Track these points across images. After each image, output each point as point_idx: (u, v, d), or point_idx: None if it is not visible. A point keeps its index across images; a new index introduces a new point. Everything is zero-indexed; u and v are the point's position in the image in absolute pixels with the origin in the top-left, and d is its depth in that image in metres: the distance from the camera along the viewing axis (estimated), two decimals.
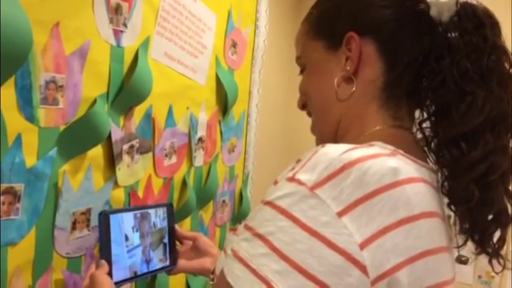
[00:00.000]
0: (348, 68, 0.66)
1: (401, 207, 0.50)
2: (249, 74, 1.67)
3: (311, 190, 0.50)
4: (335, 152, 0.52)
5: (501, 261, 0.62)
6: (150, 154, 1.18)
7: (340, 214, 0.48)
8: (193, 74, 1.32)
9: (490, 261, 0.62)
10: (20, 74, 0.81)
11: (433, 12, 0.64)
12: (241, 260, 0.51)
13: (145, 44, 1.10)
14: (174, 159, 1.27)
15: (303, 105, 0.76)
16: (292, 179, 0.52)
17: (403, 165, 0.53)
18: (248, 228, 0.54)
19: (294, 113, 2.17)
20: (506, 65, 0.61)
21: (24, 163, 0.84)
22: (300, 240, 0.48)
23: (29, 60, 0.82)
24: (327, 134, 0.70)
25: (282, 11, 1.98)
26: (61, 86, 0.89)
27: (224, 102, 1.49)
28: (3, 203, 0.80)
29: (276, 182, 0.62)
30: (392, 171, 0.51)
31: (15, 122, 0.81)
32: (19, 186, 0.83)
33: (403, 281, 0.49)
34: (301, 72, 0.76)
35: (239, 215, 1.67)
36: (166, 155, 1.24)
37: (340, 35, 0.66)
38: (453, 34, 0.62)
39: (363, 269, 0.48)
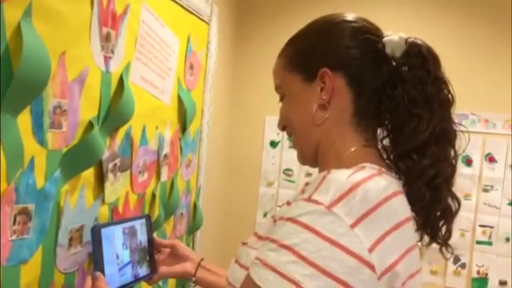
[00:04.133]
0: (324, 97, 0.80)
1: (392, 217, 0.68)
2: (202, 93, 1.78)
3: (328, 208, 0.64)
4: (341, 176, 0.67)
5: (449, 249, 0.82)
6: (128, 172, 1.25)
7: (353, 226, 0.63)
8: (161, 95, 1.41)
9: (440, 250, 0.82)
10: (35, 101, 0.86)
11: (387, 50, 0.81)
12: (270, 267, 0.64)
13: (127, 68, 1.18)
14: (145, 175, 1.35)
15: (283, 127, 0.90)
16: (309, 200, 0.66)
17: (388, 181, 0.71)
18: (272, 240, 0.67)
19: (237, 129, 2.33)
20: (445, 92, 0.80)
21: (36, 184, 0.88)
22: (323, 249, 0.62)
23: None
24: (307, 152, 0.85)
25: (226, 35, 2.12)
26: (64, 111, 0.95)
27: (184, 121, 1.59)
28: (19, 223, 0.84)
29: (289, 203, 0.77)
30: (384, 189, 0.68)
31: (29, 145, 0.86)
32: (31, 207, 0.87)
33: (400, 273, 0.66)
34: (281, 100, 0.89)
35: (194, 226, 1.77)
36: (139, 172, 1.31)
37: (315, 70, 0.80)
38: (404, 68, 0.80)
39: (372, 268, 0.63)
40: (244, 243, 0.83)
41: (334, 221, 0.63)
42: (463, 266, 2.14)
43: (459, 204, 0.79)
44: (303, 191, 0.72)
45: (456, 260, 2.14)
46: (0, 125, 0.78)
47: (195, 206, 1.78)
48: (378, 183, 0.68)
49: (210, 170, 2.00)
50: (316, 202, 0.65)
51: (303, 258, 0.62)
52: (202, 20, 1.72)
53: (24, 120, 0.84)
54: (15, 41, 0.79)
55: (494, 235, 2.11)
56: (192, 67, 1.64)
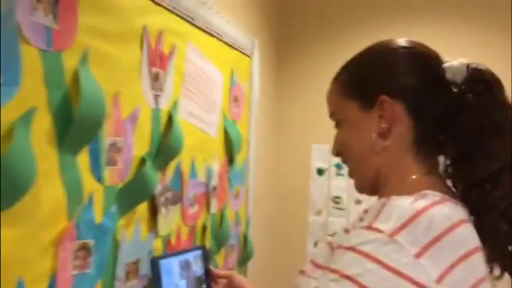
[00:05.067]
0: (383, 125, 0.78)
1: (460, 246, 0.64)
2: (247, 124, 1.81)
3: (390, 237, 0.62)
4: (403, 203, 0.65)
5: None
6: (179, 205, 1.28)
7: (418, 256, 0.61)
8: (208, 128, 1.45)
9: None
10: (92, 140, 0.91)
11: (448, 75, 0.78)
12: None
13: (175, 105, 1.22)
14: (196, 207, 1.38)
15: (337, 153, 0.88)
16: (370, 228, 0.64)
17: (453, 209, 0.68)
18: (333, 270, 0.65)
19: (283, 158, 2.34)
20: None
21: (95, 220, 0.92)
22: (388, 280, 0.60)
23: None
24: (366, 180, 0.83)
25: (268, 66, 2.17)
26: (119, 148, 0.99)
27: (230, 152, 1.62)
28: (80, 258, 0.88)
29: (347, 230, 0.75)
30: (449, 216, 0.65)
31: (88, 182, 0.90)
32: (91, 242, 0.91)
33: None
34: (336, 126, 0.87)
35: (245, 257, 1.77)
36: (190, 204, 1.34)
37: (373, 97, 0.78)
38: (469, 95, 0.77)
39: None
40: (302, 272, 0.82)
41: (397, 250, 0.61)
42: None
43: None
44: (361, 219, 0.70)
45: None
46: (62, 165, 0.83)
47: (245, 237, 1.78)
48: (442, 210, 0.66)
49: (258, 200, 2.01)
50: (377, 230, 0.63)
51: None
52: (244, 54, 1.76)
53: (82, 158, 0.89)
54: (73, 86, 0.85)
55: None
56: (236, 99, 1.68)
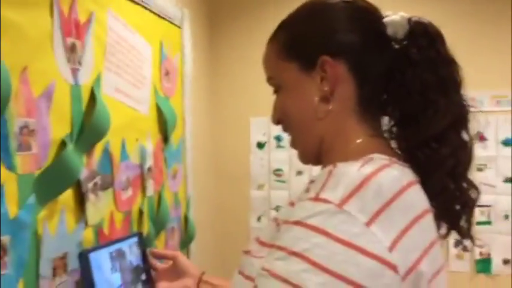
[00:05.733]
0: (325, 88, 0.72)
1: (410, 209, 0.61)
2: (181, 99, 1.71)
3: (339, 207, 0.57)
4: (350, 170, 0.60)
5: (472, 240, 0.76)
6: (111, 190, 1.17)
7: (368, 224, 0.56)
8: (138, 105, 1.34)
9: (460, 241, 0.76)
10: None
11: (389, 31, 0.74)
12: (280, 278, 0.56)
13: (98, 80, 1.10)
14: (130, 191, 1.27)
15: (277, 121, 0.81)
16: (317, 199, 0.59)
17: (401, 171, 0.64)
18: (279, 247, 0.59)
19: (221, 133, 2.26)
20: (456, 73, 0.74)
21: (8, 214, 0.80)
22: (338, 253, 0.55)
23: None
24: (310, 149, 0.77)
25: (200, 38, 2.06)
26: (32, 130, 0.87)
27: (165, 130, 1.52)
28: None
29: (292, 203, 0.69)
30: (398, 180, 0.62)
31: None
32: (6, 239, 0.79)
33: (424, 271, 0.59)
34: (275, 92, 0.80)
35: (187, 239, 1.69)
36: (123, 189, 1.24)
37: (314, 58, 0.72)
38: (412, 50, 0.73)
39: (394, 268, 0.56)
40: (247, 252, 0.75)
41: (347, 220, 0.56)
42: (465, 248, 2.10)
43: (479, 193, 0.73)
44: (307, 190, 0.64)
45: (457, 243, 2.11)
46: None
47: (186, 218, 1.70)
48: (390, 174, 0.61)
49: (198, 178, 1.93)
50: (325, 201, 0.58)
51: (315, 265, 0.55)
52: (174, 24, 1.65)
53: None
54: None
55: (493, 214, 2.08)
56: (167, 73, 1.57)
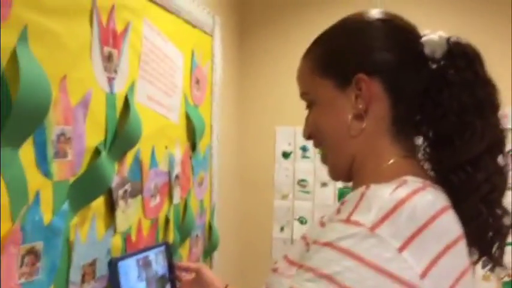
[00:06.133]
0: (360, 106, 0.71)
1: (444, 235, 0.59)
2: (210, 108, 1.72)
3: (371, 230, 0.56)
4: (383, 193, 0.59)
5: (504, 268, 0.74)
6: (139, 197, 1.18)
7: (401, 249, 0.55)
8: (168, 113, 1.35)
9: (492, 269, 0.74)
10: (37, 130, 0.79)
11: (427, 50, 0.73)
12: None
13: (132, 88, 1.12)
14: (158, 199, 1.28)
15: (309, 136, 0.80)
16: (348, 221, 0.58)
17: (435, 196, 0.63)
18: (309, 269, 0.58)
19: (247, 141, 2.26)
20: (495, 95, 0.73)
21: (43, 220, 0.81)
22: (369, 277, 0.54)
23: None
24: (341, 167, 0.76)
25: (230, 46, 2.07)
26: (69, 138, 0.88)
27: (193, 138, 1.53)
28: (27, 265, 0.78)
29: (323, 224, 0.69)
30: (432, 204, 0.60)
31: (33, 178, 0.79)
32: (39, 245, 0.81)
33: None
34: (308, 107, 0.80)
35: (210, 248, 1.69)
36: (151, 196, 1.24)
37: (349, 75, 0.72)
38: (450, 71, 0.72)
39: None
40: (275, 270, 0.75)
41: (378, 244, 0.55)
42: (492, 269, 2.04)
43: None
44: (338, 211, 0.64)
45: (485, 264, 2.04)
46: (1, 159, 0.72)
47: (210, 227, 1.71)
48: (424, 198, 0.60)
49: (223, 187, 1.93)
50: (356, 223, 0.57)
51: None
52: (205, 33, 1.66)
53: (26, 151, 0.78)
54: (11, 67, 0.73)
55: None
56: (198, 82, 1.58)
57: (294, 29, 2.15)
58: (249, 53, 2.25)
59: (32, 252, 0.79)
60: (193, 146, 1.54)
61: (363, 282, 0.54)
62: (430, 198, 0.61)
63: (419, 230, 0.57)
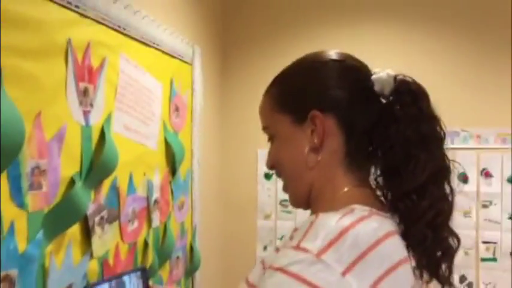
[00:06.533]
0: (315, 140, 0.77)
1: (385, 260, 0.65)
2: (190, 133, 1.78)
3: (317, 256, 0.61)
4: (330, 221, 0.65)
5: (452, 286, 0.80)
6: (117, 222, 1.23)
7: (344, 273, 0.61)
8: (146, 141, 1.41)
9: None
10: (11, 165, 0.85)
11: (376, 87, 0.79)
12: None
13: (108, 120, 1.18)
14: (136, 223, 1.33)
15: (271, 167, 0.86)
16: (298, 248, 0.64)
17: (379, 223, 0.69)
18: None
19: (229, 165, 2.32)
20: (438, 129, 0.79)
21: (17, 249, 0.87)
22: None
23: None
24: (300, 195, 0.82)
25: (211, 74, 2.14)
26: (44, 171, 0.94)
27: (173, 163, 1.59)
28: None
29: (277, 250, 0.75)
30: (374, 231, 0.66)
31: (8, 210, 0.85)
32: (14, 273, 0.86)
33: None
34: (269, 139, 0.85)
35: (191, 268, 1.74)
36: (129, 221, 1.30)
37: (305, 112, 0.78)
38: (396, 107, 0.78)
39: None
40: None
41: (324, 269, 0.61)
42: (470, 285, 2.08)
43: (459, 241, 0.77)
44: (291, 237, 0.70)
45: (462, 279, 2.10)
46: None
47: (191, 248, 1.76)
48: (367, 226, 0.66)
49: (205, 209, 1.98)
50: (304, 250, 0.63)
51: None
52: (185, 62, 1.73)
53: (1, 185, 0.83)
54: None
55: (498, 251, 2.07)
56: (177, 109, 1.64)
57: (274, 56, 2.23)
58: (231, 79, 2.33)
59: (7, 280, 0.84)
60: (173, 171, 1.60)
61: None
62: (374, 226, 0.67)
63: (362, 256, 0.62)
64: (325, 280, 0.60)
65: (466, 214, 2.11)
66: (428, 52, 2.15)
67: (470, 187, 2.11)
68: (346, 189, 0.77)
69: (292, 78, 0.84)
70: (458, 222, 2.07)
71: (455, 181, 0.79)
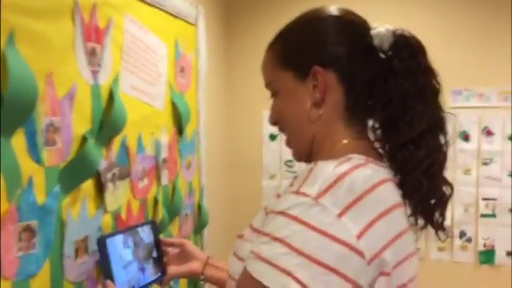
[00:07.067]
0: (317, 95, 0.81)
1: (379, 204, 0.70)
2: (196, 94, 1.81)
3: (315, 200, 0.66)
4: (327, 168, 0.70)
5: (445, 232, 0.85)
6: (128, 179, 1.28)
7: (340, 215, 0.65)
8: (153, 101, 1.44)
9: (436, 233, 0.84)
10: (27, 121, 0.89)
11: (375, 42, 0.82)
12: (265, 260, 0.66)
13: (116, 80, 1.21)
14: (145, 181, 1.39)
15: (274, 123, 0.91)
16: (297, 192, 0.68)
17: (374, 170, 0.73)
18: (265, 234, 0.69)
19: (235, 126, 2.36)
20: (434, 81, 0.82)
21: (36, 201, 0.92)
22: (313, 239, 0.65)
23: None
24: (302, 149, 0.86)
25: (215, 34, 2.15)
26: (57, 128, 0.98)
27: (179, 124, 1.62)
28: (24, 240, 0.88)
29: (279, 195, 0.79)
30: (369, 178, 0.70)
31: (26, 165, 0.90)
32: (34, 223, 0.91)
33: (388, 259, 0.68)
34: (272, 95, 0.90)
35: (200, 225, 1.81)
36: (139, 179, 1.35)
37: (307, 68, 0.81)
38: (395, 61, 0.81)
39: (360, 254, 0.65)
40: (240, 236, 0.86)
41: (321, 211, 0.65)
42: (469, 240, 2.16)
43: (452, 190, 0.82)
44: (291, 184, 0.74)
45: (462, 234, 2.17)
46: None
47: (199, 206, 1.82)
48: (363, 172, 0.70)
49: (212, 169, 2.04)
50: (304, 194, 0.67)
51: (293, 249, 0.65)
52: (189, 23, 1.74)
53: (18, 141, 0.88)
54: (1, 67, 0.83)
55: (498, 207, 2.13)
56: (182, 70, 1.67)
57: (277, 17, 2.21)
58: (235, 40, 2.33)
59: (28, 229, 0.90)
60: (180, 132, 1.64)
61: (308, 243, 0.64)
62: (369, 173, 0.71)
63: (357, 200, 0.67)
64: (322, 221, 0.65)
65: (467, 172, 2.15)
66: (430, 11, 2.14)
67: (471, 145, 2.15)
68: (345, 141, 0.82)
69: (293, 34, 0.87)
70: (459, 179, 2.16)
71: (449, 133, 0.83)
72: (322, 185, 0.67)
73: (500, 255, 2.15)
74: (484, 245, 2.16)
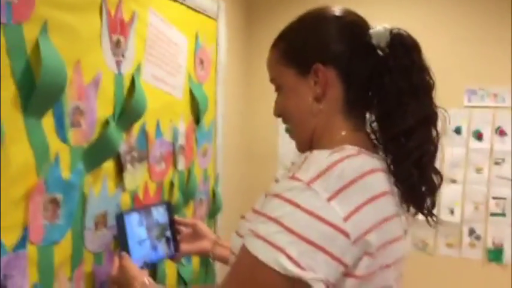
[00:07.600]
0: (318, 91, 0.87)
1: (367, 191, 0.76)
2: (214, 86, 1.90)
3: (307, 185, 0.73)
4: (321, 157, 0.77)
5: (434, 218, 0.91)
6: (145, 162, 1.38)
7: (329, 199, 0.72)
8: (173, 91, 1.53)
9: (426, 220, 0.90)
10: (56, 104, 0.99)
11: (373, 41, 0.87)
12: (260, 237, 0.73)
13: (138, 69, 1.30)
14: (163, 165, 1.48)
15: (278, 115, 0.98)
16: (292, 178, 0.75)
17: (365, 160, 0.79)
18: (262, 214, 0.76)
19: (252, 117, 2.44)
20: (427, 78, 0.88)
21: (62, 177, 1.02)
22: (302, 219, 0.71)
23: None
24: (304, 140, 0.93)
25: (236, 29, 2.23)
26: (82, 111, 1.08)
27: (197, 113, 1.71)
28: (49, 211, 0.99)
29: (277, 180, 0.87)
30: (359, 166, 0.77)
31: (54, 143, 1.00)
32: (59, 196, 1.02)
33: (372, 241, 0.74)
34: (276, 90, 0.97)
35: (214, 210, 1.90)
36: (156, 162, 1.45)
37: (308, 65, 0.88)
38: (390, 59, 0.87)
39: (346, 235, 0.72)
40: (243, 217, 0.94)
41: (312, 195, 0.72)
42: (478, 237, 2.19)
43: (441, 179, 0.87)
44: (289, 170, 0.82)
45: (471, 232, 2.20)
46: (28, 127, 0.92)
47: (213, 192, 1.91)
48: (354, 161, 0.77)
49: (228, 158, 2.12)
50: (297, 179, 0.74)
51: (286, 228, 0.72)
52: (210, 17, 1.82)
53: (48, 122, 0.98)
54: (35, 55, 0.93)
55: (508, 207, 2.15)
56: (202, 62, 1.75)
57: (299, 11, 2.28)
58: (255, 35, 2.41)
59: (54, 202, 1.00)
60: (197, 120, 1.73)
61: (298, 223, 0.71)
62: (360, 162, 0.78)
63: (346, 186, 0.73)
64: (313, 204, 0.72)
65: (479, 171, 2.17)
66: (445, 11, 2.16)
67: (484, 144, 2.17)
68: (343, 133, 0.88)
69: (296, 33, 0.93)
70: (471, 177, 2.20)
71: (441, 126, 0.88)
72: (314, 172, 0.74)
73: (508, 254, 2.17)
74: (493, 243, 2.19)
